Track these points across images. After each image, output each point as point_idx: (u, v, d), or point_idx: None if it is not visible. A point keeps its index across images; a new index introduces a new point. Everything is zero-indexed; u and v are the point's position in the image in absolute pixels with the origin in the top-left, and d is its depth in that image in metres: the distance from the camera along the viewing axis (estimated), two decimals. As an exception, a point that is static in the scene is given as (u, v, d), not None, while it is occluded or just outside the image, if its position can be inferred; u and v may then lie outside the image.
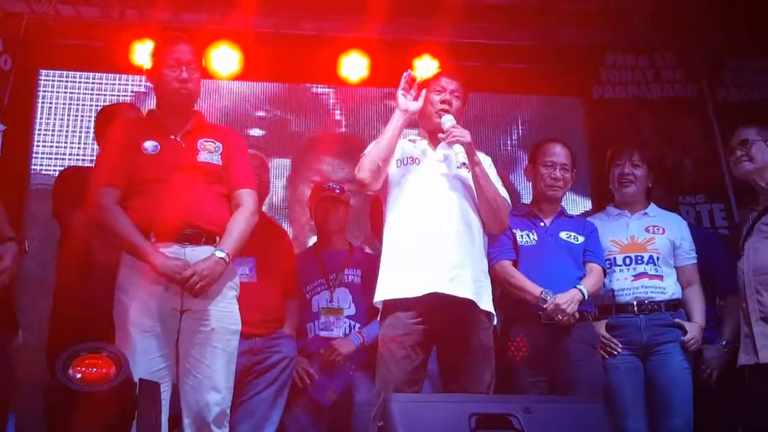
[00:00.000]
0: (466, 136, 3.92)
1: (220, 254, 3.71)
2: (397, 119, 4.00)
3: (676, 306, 4.53)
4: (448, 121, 3.98)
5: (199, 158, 3.86)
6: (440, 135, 3.99)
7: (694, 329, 4.46)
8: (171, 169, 3.79)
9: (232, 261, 3.78)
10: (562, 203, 4.67)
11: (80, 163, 6.05)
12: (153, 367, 3.63)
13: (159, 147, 3.83)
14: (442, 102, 4.08)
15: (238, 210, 3.86)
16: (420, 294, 3.79)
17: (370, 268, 4.40)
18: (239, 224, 3.82)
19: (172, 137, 3.88)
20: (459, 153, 3.90)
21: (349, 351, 4.70)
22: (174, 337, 3.72)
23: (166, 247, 3.70)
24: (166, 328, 3.69)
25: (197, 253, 3.72)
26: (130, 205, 3.75)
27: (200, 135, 3.93)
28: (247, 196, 3.91)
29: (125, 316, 3.67)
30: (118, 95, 6.47)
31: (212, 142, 3.93)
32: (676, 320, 4.49)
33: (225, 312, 3.79)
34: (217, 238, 3.78)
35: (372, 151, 4.00)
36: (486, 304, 3.91)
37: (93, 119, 5.02)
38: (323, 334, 4.81)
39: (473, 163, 3.95)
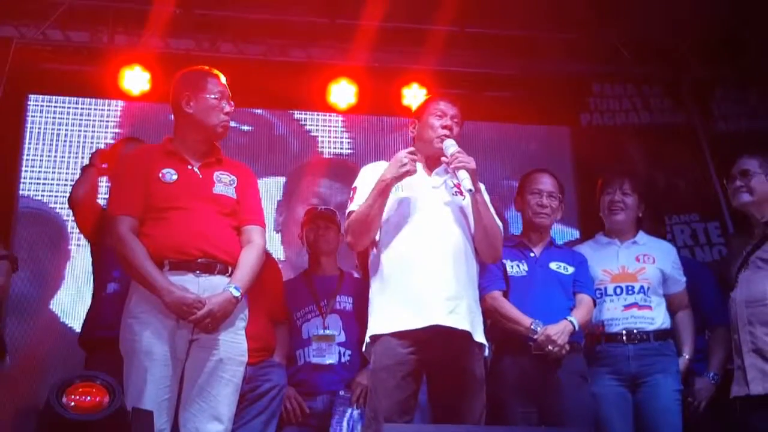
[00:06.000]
0: (471, 162, 3.79)
1: (235, 292, 3.71)
2: (385, 188, 3.81)
3: (665, 336, 4.52)
4: (451, 146, 3.87)
5: (215, 190, 3.88)
6: (443, 159, 3.88)
7: (681, 364, 4.51)
8: (187, 198, 3.80)
9: (243, 298, 3.78)
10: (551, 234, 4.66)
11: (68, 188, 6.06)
12: (161, 396, 3.62)
13: (177, 176, 3.84)
14: (443, 127, 3.95)
15: (250, 246, 3.87)
16: (419, 327, 3.69)
17: (361, 295, 4.36)
18: (251, 261, 3.83)
19: (190, 167, 3.89)
20: (465, 179, 3.75)
21: None
22: (182, 366, 3.71)
23: (181, 276, 3.69)
24: (176, 357, 3.68)
25: (211, 283, 3.73)
26: (145, 231, 3.75)
27: (216, 167, 3.95)
28: (257, 234, 3.93)
29: (137, 345, 3.65)
30: (107, 120, 6.48)
31: (228, 175, 3.95)
32: None
33: (234, 343, 3.79)
34: (230, 269, 3.79)
35: (360, 216, 3.84)
36: (479, 335, 3.84)
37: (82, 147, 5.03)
38: (315, 360, 4.79)
39: (476, 190, 3.81)
